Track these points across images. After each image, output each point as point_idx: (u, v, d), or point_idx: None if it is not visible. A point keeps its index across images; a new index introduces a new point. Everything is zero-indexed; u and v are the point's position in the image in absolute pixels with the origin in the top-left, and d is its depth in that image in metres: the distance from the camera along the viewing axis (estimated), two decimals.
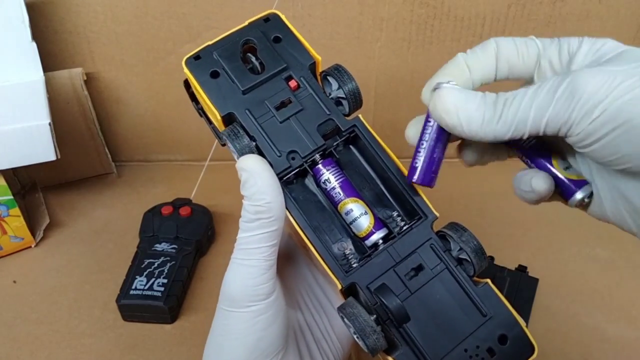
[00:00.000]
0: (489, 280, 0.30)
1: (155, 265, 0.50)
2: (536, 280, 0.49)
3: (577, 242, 0.54)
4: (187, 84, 0.34)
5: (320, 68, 0.34)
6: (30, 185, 0.60)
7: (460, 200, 0.59)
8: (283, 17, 0.33)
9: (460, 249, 0.30)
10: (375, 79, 0.60)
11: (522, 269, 0.50)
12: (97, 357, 0.46)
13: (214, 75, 0.32)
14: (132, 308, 0.48)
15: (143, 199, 0.61)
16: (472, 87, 0.30)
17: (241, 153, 0.30)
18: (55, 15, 0.56)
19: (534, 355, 0.29)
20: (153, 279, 0.49)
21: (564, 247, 0.54)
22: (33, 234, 0.56)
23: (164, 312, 0.48)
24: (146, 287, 0.48)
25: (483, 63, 0.30)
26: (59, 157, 0.50)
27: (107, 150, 0.63)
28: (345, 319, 0.29)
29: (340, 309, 0.29)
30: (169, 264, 0.50)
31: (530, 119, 0.26)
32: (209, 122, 0.35)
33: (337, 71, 0.32)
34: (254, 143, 0.31)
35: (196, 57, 0.32)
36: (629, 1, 0.55)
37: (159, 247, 0.52)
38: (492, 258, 0.50)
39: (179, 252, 0.51)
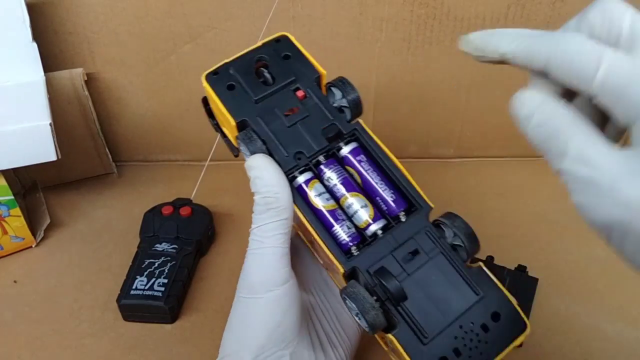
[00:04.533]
0: (481, 264, 0.32)
1: (156, 265, 0.50)
2: (536, 280, 0.49)
3: (577, 242, 0.54)
4: (205, 101, 0.38)
5: (325, 80, 0.37)
6: (31, 185, 0.60)
7: (460, 200, 0.59)
8: (292, 38, 0.37)
9: (454, 235, 0.32)
10: (375, 79, 0.60)
11: (522, 269, 0.50)
12: (97, 357, 0.46)
13: (230, 87, 0.35)
14: (132, 308, 0.48)
15: (143, 199, 0.61)
16: None
17: (253, 154, 0.33)
18: (56, 15, 0.56)
19: (527, 332, 0.31)
20: (153, 279, 0.49)
21: (563, 247, 0.54)
22: (34, 234, 0.56)
23: (165, 312, 0.48)
24: (147, 287, 0.48)
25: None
26: (59, 157, 0.50)
27: (107, 150, 0.63)
28: (347, 300, 0.31)
29: (343, 290, 0.31)
30: (169, 264, 0.50)
31: None
32: (224, 136, 0.38)
33: (342, 82, 0.36)
34: (265, 146, 0.33)
35: (214, 72, 0.36)
36: (628, 1, 0.55)
37: (160, 247, 0.52)
38: (491, 258, 0.50)
39: (180, 252, 0.51)
